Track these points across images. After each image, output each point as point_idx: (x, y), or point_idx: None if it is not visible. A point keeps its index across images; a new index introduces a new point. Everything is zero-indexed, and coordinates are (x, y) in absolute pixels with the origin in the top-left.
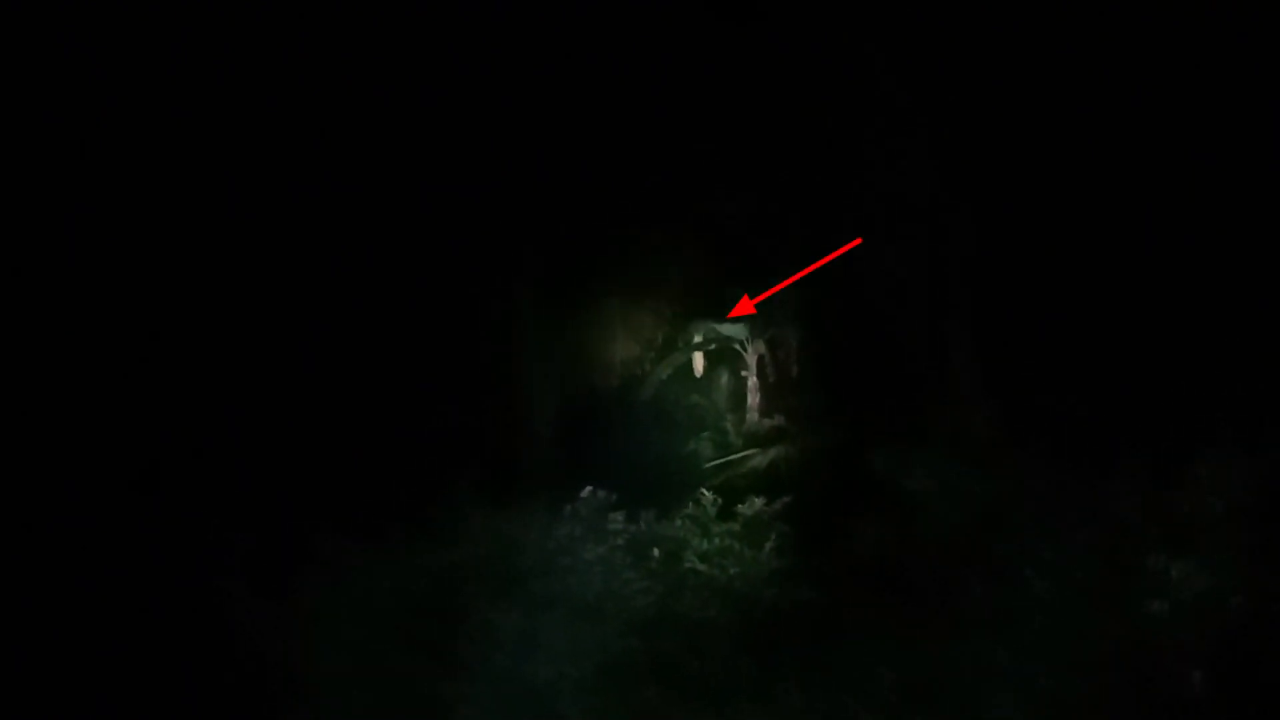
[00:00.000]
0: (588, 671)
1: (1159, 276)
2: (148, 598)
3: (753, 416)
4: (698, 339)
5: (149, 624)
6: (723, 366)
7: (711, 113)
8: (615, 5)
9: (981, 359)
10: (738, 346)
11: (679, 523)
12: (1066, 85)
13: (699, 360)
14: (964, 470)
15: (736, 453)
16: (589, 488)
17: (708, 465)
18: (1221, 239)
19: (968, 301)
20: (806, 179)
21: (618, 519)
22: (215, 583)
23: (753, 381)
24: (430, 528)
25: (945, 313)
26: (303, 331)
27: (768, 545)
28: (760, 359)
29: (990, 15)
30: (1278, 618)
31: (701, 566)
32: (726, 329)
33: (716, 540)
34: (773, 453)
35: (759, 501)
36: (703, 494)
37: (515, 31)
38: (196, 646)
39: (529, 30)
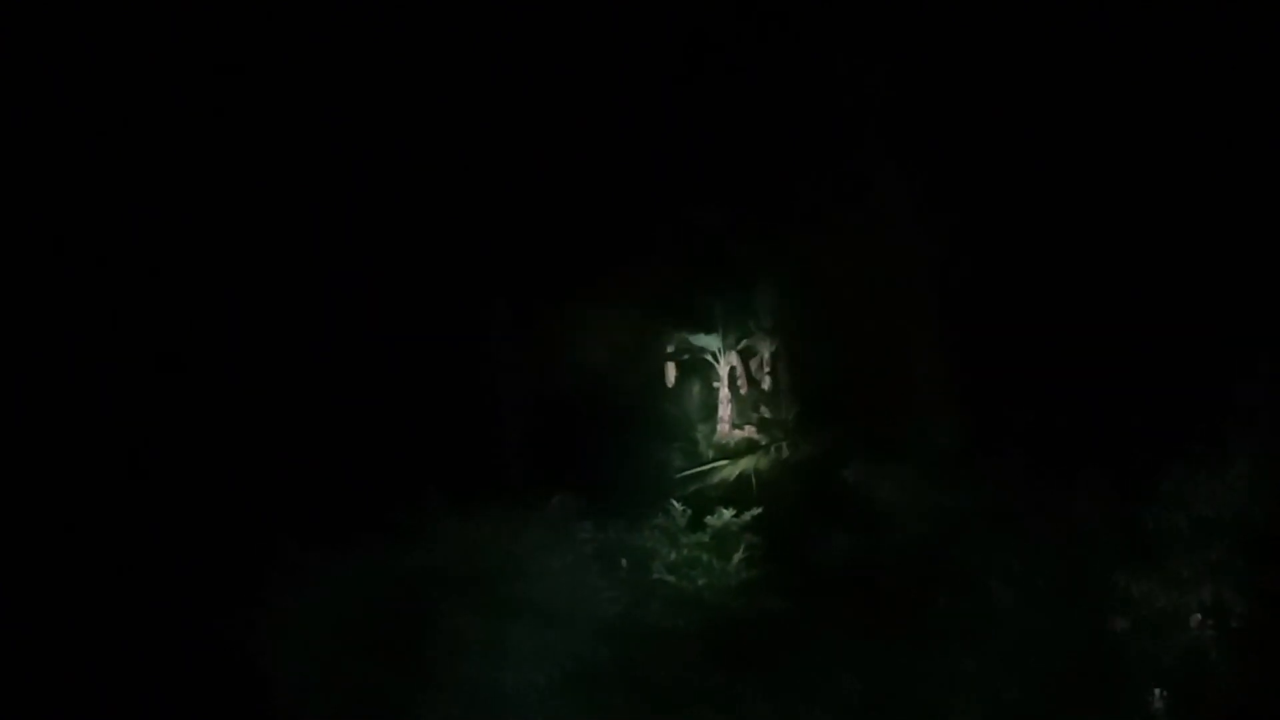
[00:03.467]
0: (555, 678)
1: (1126, 298)
2: (118, 602)
3: (723, 428)
4: (670, 349)
5: (121, 628)
6: (695, 377)
7: (689, 128)
8: (595, 20)
9: (951, 373)
10: (709, 357)
11: (647, 533)
12: (1036, 111)
13: (671, 370)
14: (932, 483)
15: (706, 464)
16: (559, 495)
17: (677, 475)
18: (1186, 264)
19: (938, 317)
20: (782, 194)
21: (587, 527)
22: (188, 586)
23: (724, 393)
24: (400, 533)
25: (916, 327)
26: (278, 340)
27: (736, 557)
28: (731, 370)
29: (960, 35)
30: (1235, 635)
31: (669, 577)
32: (698, 339)
33: (684, 551)
34: (742, 464)
35: (727, 513)
36: (672, 504)
37: (496, 46)
38: (169, 649)
39: (510, 45)
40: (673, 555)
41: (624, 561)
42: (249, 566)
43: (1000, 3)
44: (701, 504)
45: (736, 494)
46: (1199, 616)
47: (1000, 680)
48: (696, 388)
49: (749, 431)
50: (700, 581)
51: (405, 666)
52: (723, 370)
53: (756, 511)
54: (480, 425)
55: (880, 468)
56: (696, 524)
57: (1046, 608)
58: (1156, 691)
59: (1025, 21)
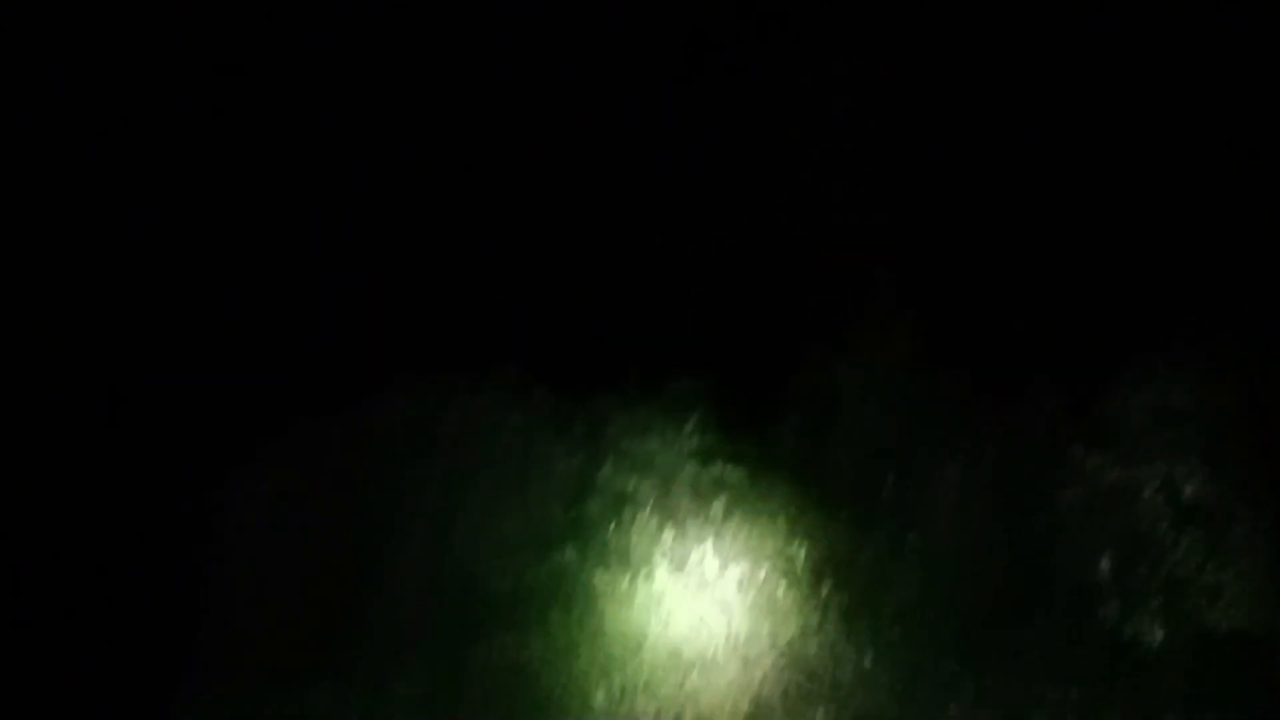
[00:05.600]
0: (510, 538)
1: (1084, 194)
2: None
3: None
4: None
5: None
6: None
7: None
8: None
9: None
10: None
11: (601, 398)
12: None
13: None
14: (891, 372)
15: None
16: (511, 362)
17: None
18: (1141, 159)
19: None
20: None
21: (541, 392)
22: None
23: None
24: (346, 393)
25: (869, 224)
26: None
27: (689, 424)
28: None
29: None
30: (1185, 509)
31: (623, 441)
32: None
33: (638, 416)
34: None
35: (683, 379)
36: (626, 368)
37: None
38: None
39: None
40: (626, 419)
41: (578, 427)
42: (207, 431)
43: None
44: (655, 370)
45: (692, 363)
46: (1155, 486)
47: (941, 553)
48: None
49: None
50: (653, 446)
51: (358, 532)
52: None
53: (711, 380)
54: (426, 287)
55: (836, 354)
56: (650, 390)
57: (996, 485)
58: (1105, 557)
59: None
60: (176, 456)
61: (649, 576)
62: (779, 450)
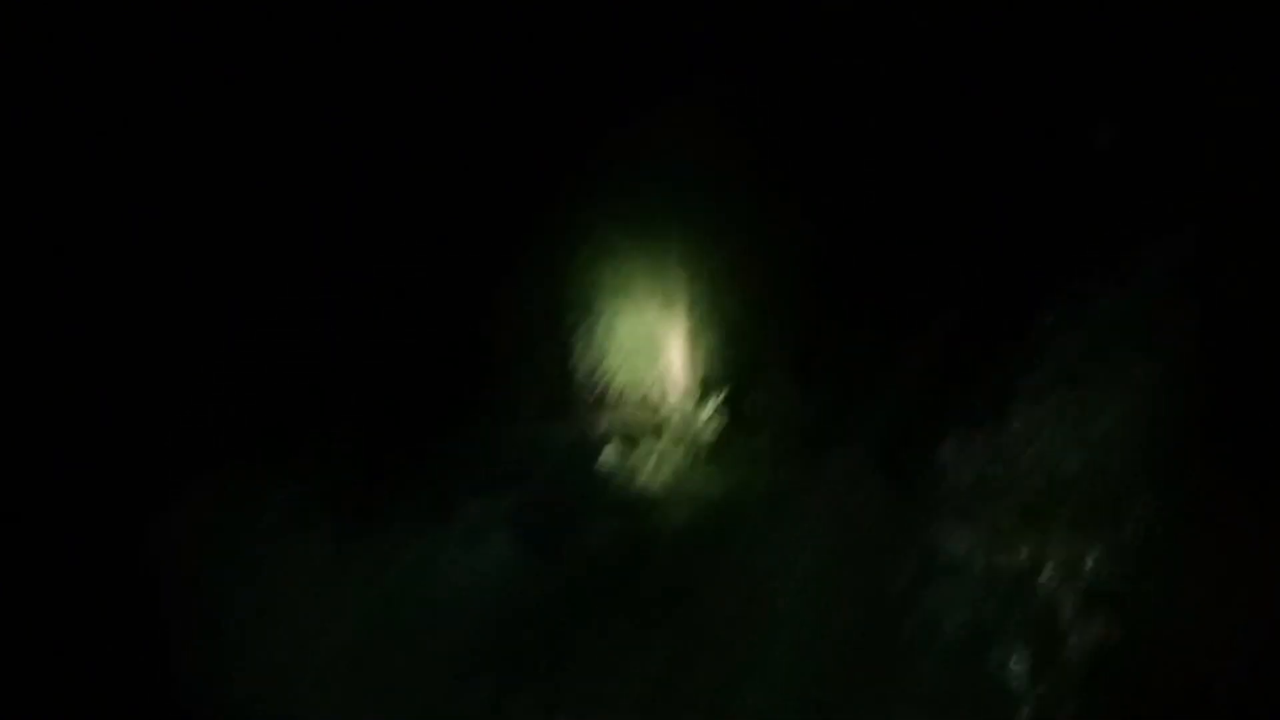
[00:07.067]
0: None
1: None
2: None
3: None
4: None
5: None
6: None
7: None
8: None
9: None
10: None
11: (395, 529)
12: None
13: None
14: (697, 464)
15: None
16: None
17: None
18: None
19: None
20: None
21: (324, 532)
22: None
23: None
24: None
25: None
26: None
27: (495, 550)
28: None
29: None
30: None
31: (421, 578)
32: None
33: (433, 546)
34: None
35: (479, 498)
36: (416, 495)
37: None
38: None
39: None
40: (420, 548)
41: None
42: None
43: None
44: (448, 489)
45: (493, 479)
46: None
47: (789, 670)
48: None
49: None
50: (456, 580)
51: None
52: None
53: (518, 496)
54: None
55: (640, 452)
56: (443, 511)
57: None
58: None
59: None
60: None
61: None
62: (592, 572)
